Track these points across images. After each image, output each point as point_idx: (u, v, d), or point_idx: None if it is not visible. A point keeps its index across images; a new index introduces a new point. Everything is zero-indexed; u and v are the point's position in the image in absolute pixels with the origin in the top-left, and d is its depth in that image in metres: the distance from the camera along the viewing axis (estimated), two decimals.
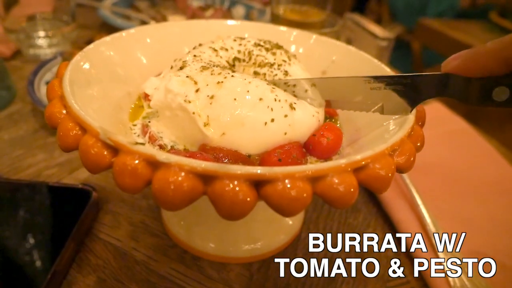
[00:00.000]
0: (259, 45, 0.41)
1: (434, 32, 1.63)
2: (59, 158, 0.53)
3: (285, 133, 0.33)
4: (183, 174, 0.23)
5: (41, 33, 0.80)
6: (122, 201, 0.47)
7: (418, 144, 0.32)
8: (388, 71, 0.40)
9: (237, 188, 0.23)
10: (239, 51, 0.41)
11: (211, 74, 0.34)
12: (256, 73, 0.39)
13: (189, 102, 0.32)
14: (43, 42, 0.81)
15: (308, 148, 0.34)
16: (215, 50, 0.40)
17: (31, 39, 0.80)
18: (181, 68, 0.36)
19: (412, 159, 0.30)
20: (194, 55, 0.39)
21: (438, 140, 0.61)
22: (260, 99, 0.32)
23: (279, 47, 0.42)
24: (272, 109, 0.32)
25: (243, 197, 0.23)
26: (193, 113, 0.32)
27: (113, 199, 0.47)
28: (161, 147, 0.33)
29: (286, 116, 0.33)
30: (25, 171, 0.50)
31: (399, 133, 0.29)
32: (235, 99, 0.32)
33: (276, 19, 0.80)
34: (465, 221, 0.47)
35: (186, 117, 0.32)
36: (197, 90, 0.33)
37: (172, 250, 0.41)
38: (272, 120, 0.32)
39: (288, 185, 0.23)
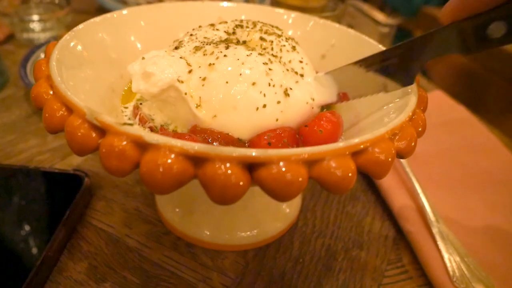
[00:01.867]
0: (261, 23, 0.40)
1: (436, 20, 1.60)
2: (52, 144, 0.52)
3: (277, 119, 0.32)
4: (172, 156, 0.22)
5: (35, 17, 0.78)
6: (115, 187, 0.46)
7: (420, 129, 0.31)
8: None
9: (229, 171, 0.22)
10: (241, 22, 0.40)
11: (204, 54, 0.33)
12: (262, 39, 0.37)
13: (182, 82, 0.31)
14: (37, 26, 0.79)
15: (301, 139, 0.33)
16: (212, 25, 0.38)
17: (25, 23, 0.78)
18: (176, 48, 0.35)
19: (413, 143, 0.29)
20: (190, 34, 0.37)
21: (439, 128, 0.60)
22: (253, 83, 0.31)
23: (280, 29, 0.40)
24: (264, 95, 0.31)
25: (235, 180, 0.22)
26: (185, 93, 0.31)
27: (107, 185, 0.46)
28: (152, 129, 0.32)
29: (279, 102, 0.32)
30: (17, 156, 0.49)
31: (400, 117, 0.28)
32: (227, 82, 0.31)
33: (276, 4, 0.78)
34: (465, 210, 0.46)
35: (178, 98, 0.31)
36: (190, 71, 0.32)
37: (166, 237, 0.40)
38: (264, 106, 0.31)
39: (283, 169, 0.22)
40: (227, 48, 0.33)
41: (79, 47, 0.34)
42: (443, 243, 0.40)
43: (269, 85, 0.31)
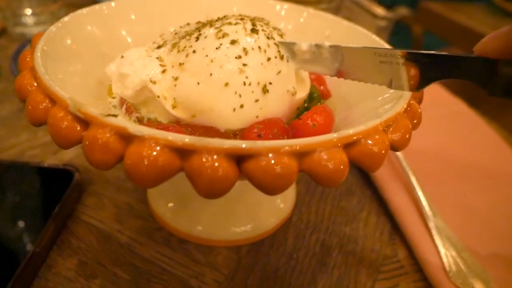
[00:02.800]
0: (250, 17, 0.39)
1: (436, 15, 1.59)
2: (43, 138, 0.51)
3: (257, 116, 0.31)
4: (158, 148, 0.21)
5: (28, 11, 0.77)
6: (106, 183, 0.45)
7: (415, 121, 0.30)
8: (385, 45, 0.38)
9: (216, 164, 0.21)
10: (227, 15, 0.38)
11: (177, 51, 0.31)
12: (252, 21, 0.34)
13: (154, 83, 0.30)
14: (29, 20, 0.78)
15: (294, 133, 0.32)
16: (199, 22, 0.37)
17: (17, 16, 0.77)
18: (159, 47, 0.34)
19: (407, 136, 0.28)
20: (175, 33, 0.36)
21: (437, 122, 0.59)
22: (226, 84, 0.29)
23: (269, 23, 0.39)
24: (240, 95, 0.30)
25: (223, 173, 0.21)
26: (158, 96, 0.30)
27: (98, 181, 0.45)
28: (139, 119, 0.31)
29: (257, 100, 0.30)
30: (8, 151, 0.48)
31: (394, 108, 0.27)
32: (198, 83, 0.29)
33: None
34: (463, 205, 0.45)
35: (155, 97, 0.30)
36: (163, 71, 0.31)
37: (158, 233, 0.40)
38: (242, 106, 0.30)
39: (272, 161, 0.22)
40: (197, 38, 0.31)
41: (68, 40, 0.33)
42: (439, 238, 0.39)
43: (244, 84, 0.29)
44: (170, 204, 0.41)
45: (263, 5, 0.49)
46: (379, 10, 0.81)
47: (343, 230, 0.43)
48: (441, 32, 1.59)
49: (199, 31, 0.32)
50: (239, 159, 0.22)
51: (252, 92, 0.30)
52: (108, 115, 0.23)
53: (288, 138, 0.31)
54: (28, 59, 0.30)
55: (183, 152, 0.22)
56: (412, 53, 0.28)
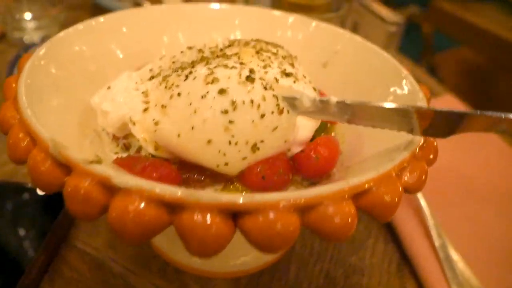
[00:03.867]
0: (256, 40, 0.36)
1: (447, 14, 1.54)
2: None
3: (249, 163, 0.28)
4: (144, 203, 0.19)
5: (27, 15, 0.75)
6: None
7: (431, 157, 0.28)
8: (397, 65, 0.35)
9: (209, 221, 0.19)
10: (231, 43, 0.36)
11: (165, 87, 0.28)
12: (258, 53, 0.31)
13: (134, 124, 0.27)
14: (29, 25, 0.76)
15: (295, 165, 0.29)
16: (200, 50, 0.34)
17: (17, 21, 0.75)
18: (151, 78, 0.31)
19: (423, 177, 0.26)
20: (173, 61, 0.33)
21: (451, 139, 0.56)
22: (209, 141, 0.26)
23: (279, 46, 0.36)
24: (224, 154, 0.26)
25: (216, 232, 0.19)
26: (138, 140, 0.27)
27: None
28: (126, 146, 0.29)
29: (244, 158, 0.27)
30: (0, 168, 0.47)
31: (409, 147, 0.25)
32: (178, 135, 0.26)
33: (278, 2, 0.74)
34: (477, 233, 0.43)
35: None
36: (145, 109, 0.28)
37: (153, 262, 0.38)
38: (226, 164, 0.27)
39: (272, 217, 0.19)
40: (186, 77, 0.27)
41: (53, 65, 0.31)
42: (451, 273, 0.37)
43: (230, 143, 0.26)
44: (167, 233, 0.39)
45: (266, 16, 0.46)
46: (389, 15, 0.78)
47: (349, 260, 0.40)
48: (452, 31, 1.55)
49: (193, 66, 0.29)
50: (236, 214, 0.20)
51: (239, 151, 0.26)
52: (92, 161, 0.20)
53: (292, 174, 0.29)
54: (13, 85, 0.28)
55: (173, 206, 0.20)
56: (426, 111, 0.24)
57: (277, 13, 0.46)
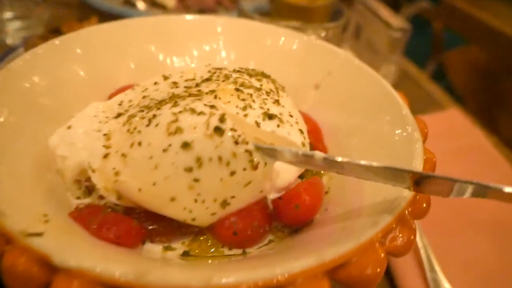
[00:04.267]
0: (239, 71, 0.32)
1: (459, 11, 1.48)
2: None
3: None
4: (86, 285, 0.17)
5: (9, 14, 0.72)
6: None
7: (424, 205, 0.25)
8: (395, 97, 0.32)
9: None
10: (210, 75, 0.32)
11: (127, 130, 0.25)
12: (239, 91, 0.28)
13: (94, 171, 0.25)
14: (11, 26, 0.72)
15: (275, 212, 0.27)
16: (175, 83, 0.31)
17: None
18: (118, 115, 0.28)
19: (412, 237, 0.23)
20: (143, 96, 0.29)
21: (451, 157, 0.53)
22: (172, 198, 0.23)
23: (265, 75, 0.33)
24: (191, 211, 0.24)
25: None
26: (98, 188, 0.24)
27: None
28: (89, 189, 0.27)
29: (213, 214, 0.25)
30: None
31: (395, 208, 0.22)
32: (139, 189, 0.23)
33: (275, 3, 0.70)
34: (475, 264, 0.40)
35: None
36: (106, 156, 0.25)
37: None
38: (193, 219, 0.25)
39: None
40: (149, 122, 0.24)
41: (3, 113, 0.27)
42: None
43: (196, 201, 0.23)
44: None
45: (257, 28, 0.43)
46: (394, 19, 0.74)
47: None
48: (463, 29, 1.49)
49: (159, 108, 0.26)
50: None
51: (207, 208, 0.24)
52: (31, 234, 0.18)
53: (270, 224, 0.27)
54: None
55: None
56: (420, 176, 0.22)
57: (268, 26, 0.43)
